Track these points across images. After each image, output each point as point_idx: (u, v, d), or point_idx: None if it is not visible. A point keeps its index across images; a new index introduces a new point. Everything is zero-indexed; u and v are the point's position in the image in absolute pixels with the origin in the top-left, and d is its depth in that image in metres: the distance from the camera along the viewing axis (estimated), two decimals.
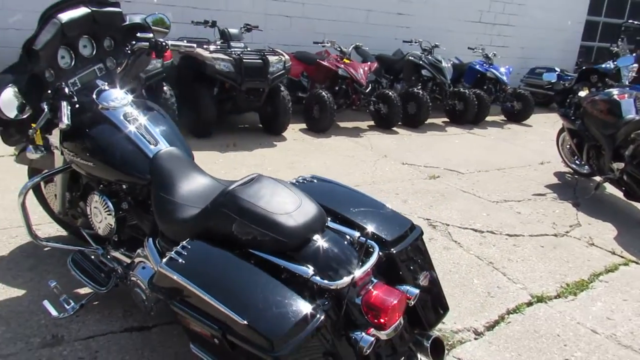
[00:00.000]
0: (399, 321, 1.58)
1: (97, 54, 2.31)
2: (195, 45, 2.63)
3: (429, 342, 1.79)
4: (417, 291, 1.66)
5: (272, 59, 5.47)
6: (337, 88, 6.63)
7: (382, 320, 1.51)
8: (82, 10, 2.15)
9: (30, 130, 1.93)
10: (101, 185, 2.19)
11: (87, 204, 2.24)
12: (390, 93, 6.68)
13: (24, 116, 1.91)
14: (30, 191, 2.41)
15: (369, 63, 6.89)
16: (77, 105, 2.03)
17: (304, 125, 6.44)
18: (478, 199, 4.37)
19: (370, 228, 1.81)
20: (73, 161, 2.16)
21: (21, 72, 1.95)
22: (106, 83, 2.25)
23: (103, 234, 2.22)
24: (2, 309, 2.30)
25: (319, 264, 1.57)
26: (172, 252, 1.62)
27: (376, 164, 5.16)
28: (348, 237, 1.73)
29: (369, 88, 6.60)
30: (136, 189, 2.12)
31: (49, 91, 2.01)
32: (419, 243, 1.87)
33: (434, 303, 1.88)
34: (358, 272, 1.56)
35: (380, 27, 8.77)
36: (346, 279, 1.52)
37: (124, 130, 2.08)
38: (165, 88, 5.02)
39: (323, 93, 6.10)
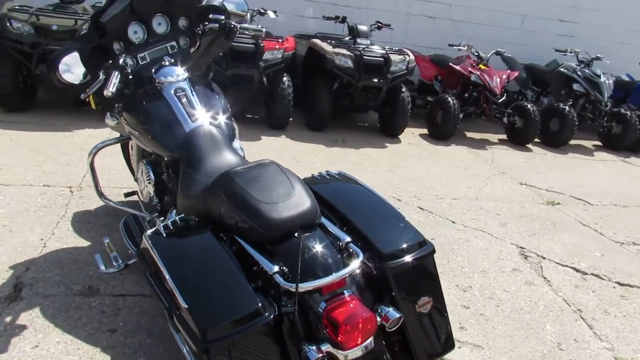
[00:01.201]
0: (364, 344, 1.37)
1: (170, 32, 2.41)
2: (263, 29, 2.62)
3: None
4: (397, 315, 1.43)
5: (394, 58, 5.29)
6: (467, 95, 6.18)
7: (339, 338, 1.33)
8: None
9: (83, 95, 2.09)
10: (147, 155, 2.30)
11: (138, 171, 2.37)
12: (528, 106, 6.02)
13: (79, 82, 2.07)
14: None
15: (508, 71, 6.29)
16: (129, 77, 2.14)
17: (425, 131, 6.13)
18: (598, 235, 3.70)
19: (370, 236, 1.60)
20: (129, 130, 2.30)
21: (87, 42, 2.12)
22: (172, 60, 2.35)
23: (145, 200, 2.33)
24: (64, 255, 2.56)
25: (290, 262, 1.44)
26: (161, 225, 1.62)
27: (489, 180, 4.69)
28: (337, 240, 1.56)
29: (503, 98, 6.02)
30: (174, 162, 2.17)
31: (110, 61, 2.15)
32: (425, 262, 1.61)
33: (432, 336, 1.60)
34: (327, 279, 1.39)
35: (538, 35, 7.96)
36: (309, 284, 1.37)
37: (170, 105, 2.15)
38: (284, 78, 5.16)
39: (449, 98, 5.73)
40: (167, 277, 1.39)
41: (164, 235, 1.56)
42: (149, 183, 2.25)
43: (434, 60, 6.84)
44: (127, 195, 2.75)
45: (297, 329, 1.39)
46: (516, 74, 6.38)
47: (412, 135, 5.96)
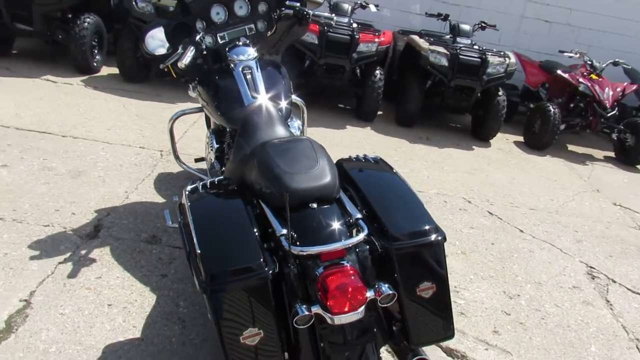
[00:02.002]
0: (353, 313, 1.44)
1: (250, 15, 2.62)
2: (334, 16, 2.73)
3: (414, 358, 1.58)
4: (390, 292, 1.48)
5: (492, 59, 5.12)
6: (572, 105, 5.78)
7: (328, 302, 1.42)
8: None
9: (162, 65, 2.36)
10: (214, 125, 2.53)
11: (206, 139, 2.62)
12: None
13: (159, 54, 2.34)
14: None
15: (625, 84, 5.77)
16: (204, 52, 2.37)
17: (521, 139, 5.85)
18: None
19: (382, 216, 1.66)
20: (201, 102, 2.55)
21: (173, 19, 2.39)
22: (247, 41, 2.55)
23: (207, 167, 2.57)
24: (140, 207, 2.90)
25: (301, 229, 1.55)
26: (200, 183, 1.81)
27: (578, 195, 4.39)
28: (348, 215, 1.64)
29: (614, 112, 5.53)
30: (233, 132, 2.38)
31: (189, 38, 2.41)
32: (433, 249, 1.63)
33: (431, 322, 1.62)
34: (325, 247, 1.48)
35: None
36: (308, 249, 1.47)
37: (236, 80, 2.34)
38: (377, 71, 5.23)
39: (549, 106, 5.42)
40: (192, 226, 1.57)
41: (200, 192, 1.75)
42: (212, 150, 2.48)
43: (543, 66, 6.47)
44: (197, 160, 3.04)
45: (294, 289, 1.49)
46: (634, 87, 5.83)
47: (505, 142, 5.72)
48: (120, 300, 2.14)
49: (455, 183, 4.15)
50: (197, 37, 2.36)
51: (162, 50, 2.35)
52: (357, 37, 5.03)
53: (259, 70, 2.42)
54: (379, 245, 1.60)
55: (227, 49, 2.46)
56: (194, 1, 2.39)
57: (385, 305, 1.51)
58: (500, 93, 5.33)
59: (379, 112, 5.83)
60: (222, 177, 1.95)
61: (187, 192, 1.75)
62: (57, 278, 2.19)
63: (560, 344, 2.35)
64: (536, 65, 6.53)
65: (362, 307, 1.47)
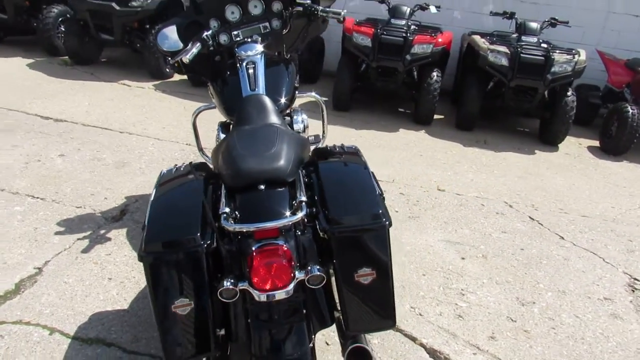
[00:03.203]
0: (278, 291, 1.46)
1: (264, 14, 2.72)
2: (342, 12, 2.72)
3: (351, 346, 1.56)
4: (318, 273, 1.48)
5: (557, 57, 4.77)
6: None
7: (253, 279, 1.45)
8: None
9: (171, 60, 2.53)
10: (222, 119, 2.66)
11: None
12: None
13: (170, 50, 2.51)
14: None
15: None
16: (210, 49, 2.51)
17: (597, 143, 5.37)
18: None
19: (328, 200, 1.65)
20: (211, 97, 2.69)
21: (185, 18, 2.56)
22: (258, 37, 2.66)
23: None
24: None
25: (245, 208, 1.60)
26: (177, 166, 1.93)
27: None
28: (294, 198, 1.65)
29: None
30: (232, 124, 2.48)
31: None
32: (375, 234, 1.59)
33: (369, 310, 1.58)
34: (260, 225, 1.51)
35: None
36: (244, 226, 1.52)
37: (239, 74, 2.45)
38: (433, 73, 5.10)
39: (628, 107, 4.92)
40: (150, 200, 1.68)
41: (173, 172, 1.87)
42: (217, 142, 2.61)
43: (629, 65, 5.88)
44: None
45: (229, 265, 1.54)
46: None
47: (577, 146, 5.28)
48: (120, 276, 2.33)
49: (502, 187, 3.92)
50: (204, 35, 2.50)
51: (173, 47, 2.53)
52: (410, 38, 4.95)
53: (264, 65, 2.50)
54: (320, 228, 1.60)
55: (236, 45, 2.57)
56: (205, 1, 2.54)
57: (315, 287, 1.51)
58: (569, 93, 4.94)
59: (441, 116, 5.69)
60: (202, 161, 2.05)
61: (162, 173, 1.87)
62: (72, 252, 2.44)
63: (566, 356, 2.14)
64: (621, 64, 5.96)
65: (290, 287, 1.48)
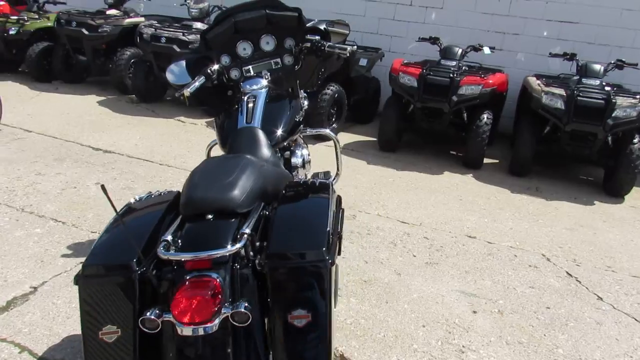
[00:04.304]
0: (198, 326, 1.39)
1: (276, 50, 2.75)
2: (348, 48, 2.67)
3: None
4: (242, 310, 1.38)
5: (621, 101, 4.37)
6: None
7: (173, 312, 1.39)
8: (257, 13, 2.64)
9: (177, 93, 2.61)
10: None
11: None
12: None
13: (178, 83, 2.59)
14: None
15: None
16: (214, 82, 2.56)
17: None
18: None
19: (273, 234, 1.57)
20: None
21: (196, 53, 2.65)
22: (268, 74, 2.68)
23: None
24: None
25: (188, 237, 1.56)
26: (150, 193, 1.95)
27: None
28: (239, 230, 1.58)
29: None
30: None
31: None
32: (314, 274, 1.47)
33: (299, 354, 1.45)
34: (190, 255, 1.46)
35: None
36: (176, 255, 1.47)
37: (239, 107, 2.48)
38: (484, 115, 4.88)
39: None
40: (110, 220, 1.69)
41: (141, 199, 1.87)
42: None
43: None
44: None
45: (160, 294, 1.49)
46: None
47: None
48: None
49: (543, 238, 3.58)
50: (208, 69, 2.56)
51: (179, 81, 2.61)
52: (458, 79, 4.79)
53: (264, 99, 2.51)
54: (258, 262, 1.52)
55: (242, 80, 2.62)
56: (214, 37, 2.62)
57: (240, 324, 1.41)
58: (635, 140, 4.49)
59: (495, 160, 5.40)
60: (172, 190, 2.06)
61: (135, 199, 1.90)
62: (70, 274, 2.52)
63: None
64: None
65: (215, 323, 1.40)
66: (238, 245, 1.49)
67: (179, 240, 1.54)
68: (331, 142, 5.48)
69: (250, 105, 2.46)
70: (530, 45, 6.33)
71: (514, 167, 5.00)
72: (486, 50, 5.28)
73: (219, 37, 2.62)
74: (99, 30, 6.39)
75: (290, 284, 1.47)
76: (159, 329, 1.41)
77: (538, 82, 4.89)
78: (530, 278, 3.00)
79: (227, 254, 1.47)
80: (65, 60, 6.82)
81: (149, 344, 1.50)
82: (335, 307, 1.72)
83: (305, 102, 2.99)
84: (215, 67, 2.55)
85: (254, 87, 2.56)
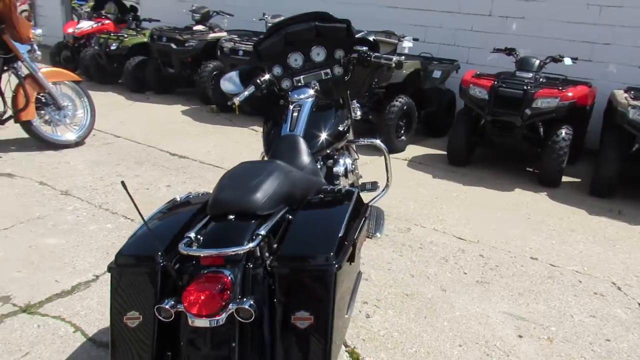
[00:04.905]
0: (207, 319, 1.46)
1: (325, 61, 2.81)
2: (394, 58, 2.64)
3: None
4: (246, 307, 1.43)
5: None
6: None
7: (184, 303, 1.48)
8: (307, 25, 2.72)
9: (229, 102, 2.74)
10: None
11: None
12: None
13: (230, 92, 2.72)
14: None
15: None
16: (263, 92, 2.66)
17: None
18: None
19: (287, 237, 1.62)
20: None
21: (249, 64, 2.78)
22: (317, 84, 2.75)
23: None
24: None
25: (209, 235, 1.64)
26: (187, 195, 2.07)
27: None
28: (255, 232, 1.64)
29: None
30: None
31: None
32: (320, 278, 1.49)
33: (300, 356, 1.46)
34: (204, 251, 1.53)
35: None
36: (192, 251, 1.56)
37: (286, 115, 2.56)
38: (562, 130, 4.59)
39: None
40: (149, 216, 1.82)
41: (178, 201, 1.99)
42: None
43: None
44: None
45: (179, 287, 1.58)
46: None
47: None
48: None
49: (617, 265, 3.29)
50: (258, 79, 2.68)
51: (231, 90, 2.75)
52: (532, 92, 4.56)
53: (310, 108, 2.58)
54: (268, 263, 1.57)
55: (290, 89, 2.70)
56: (266, 48, 2.73)
57: (244, 320, 1.46)
58: None
59: (577, 179, 5.05)
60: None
61: (177, 198, 2.03)
62: None
63: None
64: None
65: (222, 317, 1.47)
66: (251, 245, 1.55)
67: (201, 238, 1.63)
68: (400, 155, 5.48)
69: (295, 114, 2.53)
70: (624, 56, 5.86)
71: (595, 186, 4.65)
72: (567, 61, 4.98)
73: (271, 49, 2.74)
74: (185, 45, 6.87)
75: (296, 286, 1.50)
76: (172, 318, 1.50)
77: (625, 95, 4.53)
78: (593, 306, 2.77)
79: (241, 252, 1.54)
80: (156, 72, 7.40)
81: (168, 332, 1.60)
82: (347, 314, 1.72)
83: (358, 113, 3.03)
84: (266, 77, 2.66)
85: (301, 96, 2.63)
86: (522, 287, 2.91)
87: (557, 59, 4.99)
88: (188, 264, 1.61)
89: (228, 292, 1.50)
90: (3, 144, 4.62)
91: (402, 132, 5.64)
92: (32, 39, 4.25)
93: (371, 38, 2.81)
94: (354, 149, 3.14)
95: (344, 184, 2.58)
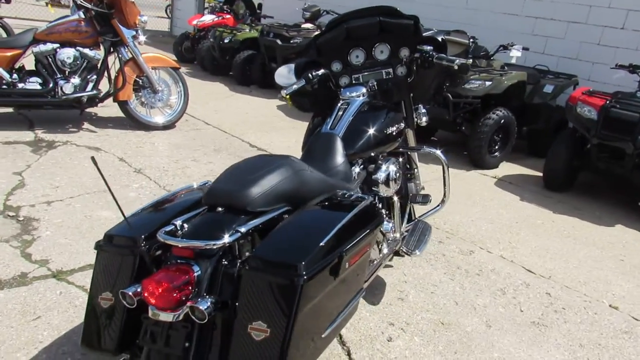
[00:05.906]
0: (162, 312, 1.39)
1: (389, 60, 2.63)
2: (456, 60, 2.35)
3: None
4: (201, 307, 1.34)
5: None
6: None
7: (144, 293, 1.42)
8: (371, 20, 2.55)
9: (279, 95, 2.65)
10: None
11: None
12: None
13: (282, 84, 2.65)
14: None
15: None
16: (315, 86, 2.55)
17: None
18: None
19: (268, 238, 1.50)
20: None
21: (305, 57, 2.68)
22: (374, 83, 2.58)
23: None
24: None
25: (191, 226, 1.57)
26: (202, 183, 2.03)
27: None
28: (240, 229, 1.53)
29: None
30: None
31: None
32: (283, 289, 1.35)
33: None
34: (174, 241, 1.46)
35: None
36: (167, 239, 1.49)
37: (331, 113, 2.43)
38: None
39: None
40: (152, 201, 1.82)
41: (194, 187, 1.96)
42: None
43: None
44: None
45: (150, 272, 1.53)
46: None
47: None
48: None
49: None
50: (308, 74, 2.57)
51: (284, 83, 2.68)
52: None
53: (356, 108, 2.42)
54: (238, 264, 1.46)
55: (342, 87, 2.57)
56: (325, 42, 2.62)
57: (197, 320, 1.37)
58: None
59: None
60: None
61: (189, 185, 2.01)
62: None
63: None
64: None
65: (178, 313, 1.40)
66: (224, 241, 1.46)
67: (186, 227, 1.57)
68: (489, 172, 5.03)
69: (341, 112, 2.41)
70: None
71: None
72: None
73: (330, 43, 2.63)
74: (291, 42, 6.99)
75: (259, 292, 1.38)
76: (135, 305, 1.46)
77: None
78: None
79: (214, 247, 1.45)
80: (262, 67, 7.63)
81: (136, 318, 1.56)
82: (324, 335, 1.55)
83: (423, 119, 2.80)
84: (319, 72, 2.55)
85: (352, 94, 2.50)
86: (588, 338, 2.48)
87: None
88: (167, 252, 1.56)
89: (190, 287, 1.42)
90: (104, 120, 5.04)
91: (497, 147, 5.18)
92: (137, 25, 4.56)
93: (439, 38, 2.57)
94: (414, 158, 2.92)
95: (383, 192, 2.38)
